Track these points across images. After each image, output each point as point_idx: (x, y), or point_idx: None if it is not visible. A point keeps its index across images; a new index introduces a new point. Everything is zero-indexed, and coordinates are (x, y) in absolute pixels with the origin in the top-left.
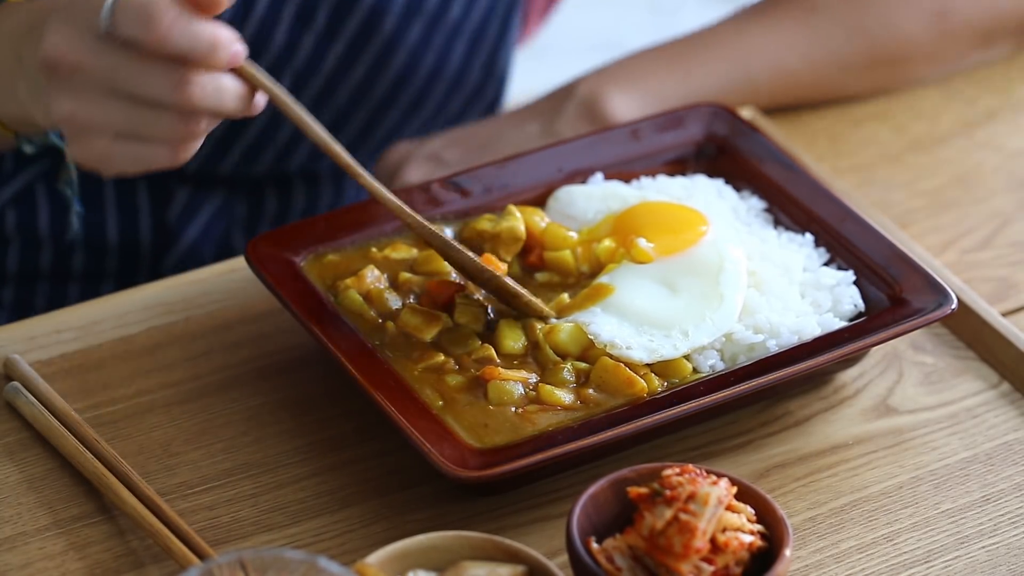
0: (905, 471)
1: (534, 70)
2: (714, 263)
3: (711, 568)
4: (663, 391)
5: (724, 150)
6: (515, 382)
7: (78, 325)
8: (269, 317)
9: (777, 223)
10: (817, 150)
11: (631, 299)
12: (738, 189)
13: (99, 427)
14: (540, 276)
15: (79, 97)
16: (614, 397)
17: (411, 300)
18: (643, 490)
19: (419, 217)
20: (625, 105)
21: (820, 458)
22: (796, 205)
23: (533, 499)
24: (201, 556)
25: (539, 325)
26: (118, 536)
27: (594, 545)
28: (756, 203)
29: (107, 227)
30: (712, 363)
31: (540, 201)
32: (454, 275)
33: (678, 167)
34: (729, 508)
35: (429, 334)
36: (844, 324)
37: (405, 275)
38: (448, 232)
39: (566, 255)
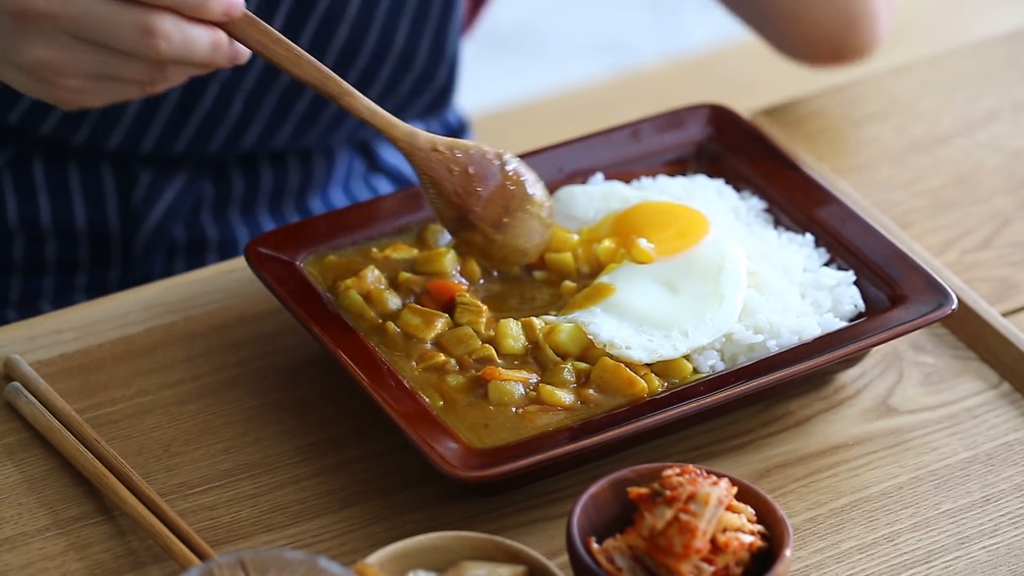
0: (905, 471)
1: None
2: (714, 263)
3: (711, 568)
4: (663, 391)
5: (724, 150)
6: (515, 382)
7: (78, 325)
8: (269, 317)
9: (777, 223)
10: (817, 150)
11: (631, 299)
12: (738, 189)
13: (99, 427)
14: (538, 274)
15: (50, 43)
16: (614, 397)
17: (411, 300)
18: (643, 490)
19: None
20: None
21: (820, 458)
22: (796, 205)
23: (533, 499)
24: (201, 556)
25: (539, 325)
26: (118, 536)
27: (594, 545)
28: (756, 203)
29: (75, 215)
30: (712, 363)
31: None
32: (455, 275)
33: (678, 167)
34: (729, 508)
35: (429, 334)
36: (844, 324)
37: (405, 275)
38: (448, 233)
39: (566, 257)
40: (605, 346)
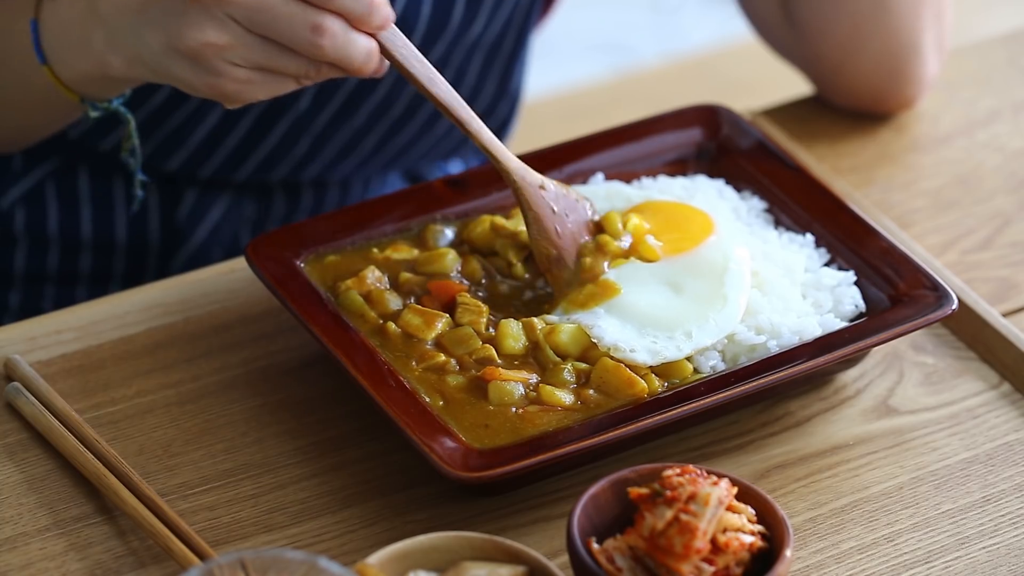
0: (906, 472)
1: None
2: (719, 264)
3: (712, 568)
4: (664, 391)
5: (725, 150)
6: (516, 383)
7: (78, 325)
8: (269, 317)
9: (778, 223)
10: (817, 150)
11: (635, 300)
12: (739, 189)
13: (99, 427)
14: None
15: (220, 28)
16: (614, 398)
17: (412, 300)
18: (644, 491)
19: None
20: None
21: (821, 458)
22: (797, 205)
23: (534, 500)
24: (202, 556)
25: (539, 325)
26: (119, 536)
27: (595, 545)
28: (757, 203)
29: (116, 227)
30: (713, 363)
31: None
32: (455, 275)
33: (679, 167)
34: (730, 508)
35: (430, 334)
36: (845, 324)
37: (406, 275)
38: (448, 233)
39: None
40: (610, 349)
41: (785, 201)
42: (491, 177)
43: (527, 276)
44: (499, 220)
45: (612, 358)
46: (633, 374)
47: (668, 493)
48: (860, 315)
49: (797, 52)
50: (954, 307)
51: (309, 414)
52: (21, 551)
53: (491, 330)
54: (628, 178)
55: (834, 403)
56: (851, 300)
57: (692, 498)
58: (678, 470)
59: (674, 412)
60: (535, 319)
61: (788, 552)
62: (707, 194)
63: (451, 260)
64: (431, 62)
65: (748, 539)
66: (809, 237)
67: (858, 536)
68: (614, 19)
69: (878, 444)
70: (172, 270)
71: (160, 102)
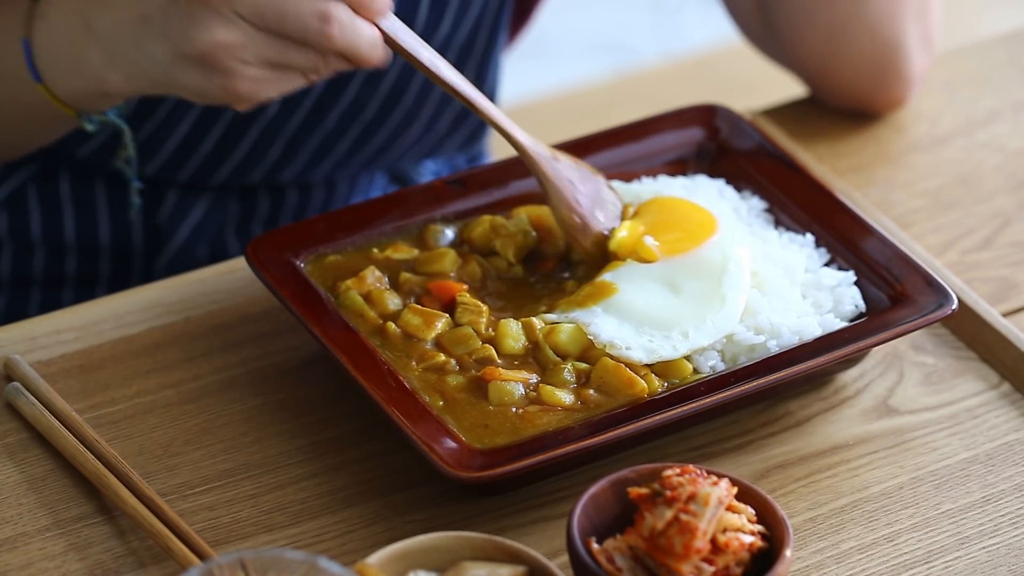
0: (905, 471)
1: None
2: (718, 265)
3: (711, 568)
4: (663, 392)
5: (725, 150)
6: (515, 382)
7: (78, 326)
8: (269, 318)
9: (778, 223)
10: (817, 150)
11: (633, 299)
12: (739, 189)
13: (99, 427)
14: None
15: (229, 27)
16: (614, 398)
17: (412, 300)
18: (643, 491)
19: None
20: None
21: (820, 458)
22: (797, 205)
23: (533, 499)
24: (202, 556)
25: (539, 325)
26: (118, 536)
27: (594, 545)
28: (757, 203)
29: (99, 230)
30: (713, 363)
31: (540, 201)
32: (454, 275)
33: (679, 167)
34: (729, 508)
35: (430, 334)
36: (845, 324)
37: (406, 275)
38: (448, 233)
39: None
40: (605, 346)
41: (785, 201)
42: (491, 177)
43: (526, 275)
44: (499, 220)
45: (611, 357)
46: (633, 374)
47: (668, 493)
48: (860, 315)
49: (780, 57)
50: (954, 307)
51: (309, 414)
52: (21, 551)
53: (491, 330)
54: (628, 178)
55: (834, 403)
56: (851, 300)
57: (692, 498)
58: (678, 470)
59: (674, 412)
60: (535, 319)
61: (788, 552)
62: (707, 194)
63: (451, 260)
64: (399, 64)
65: (748, 539)
66: (809, 237)
67: (858, 536)
68: (614, 19)
69: (878, 444)
70: (157, 270)
71: (130, 111)
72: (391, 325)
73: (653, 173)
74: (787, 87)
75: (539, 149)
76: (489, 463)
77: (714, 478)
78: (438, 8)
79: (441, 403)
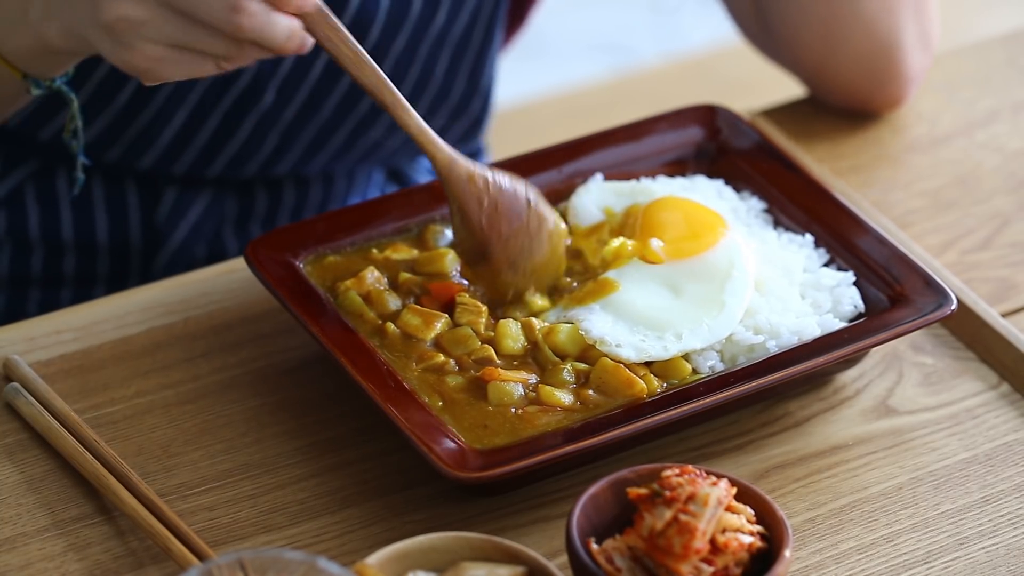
0: (905, 472)
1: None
2: (722, 270)
3: (711, 569)
4: (662, 392)
5: (724, 150)
6: (515, 383)
7: (78, 326)
8: (269, 318)
9: (777, 224)
10: (817, 150)
11: (631, 299)
12: (738, 190)
13: (99, 428)
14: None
15: (136, 3)
16: (614, 398)
17: (411, 301)
18: (643, 491)
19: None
20: None
21: (820, 459)
22: (796, 206)
23: (533, 500)
24: (201, 557)
25: (538, 325)
26: (118, 537)
27: (594, 546)
28: (756, 204)
29: (97, 229)
30: (712, 364)
31: None
32: (454, 275)
33: (678, 167)
34: (729, 509)
35: (429, 334)
36: (844, 325)
37: (405, 276)
38: (448, 233)
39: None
40: (596, 343)
41: (784, 201)
42: None
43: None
44: None
45: (603, 354)
46: (632, 375)
47: (667, 493)
48: (859, 315)
49: (778, 56)
50: (953, 307)
51: (308, 414)
52: (20, 551)
53: (490, 331)
54: (627, 178)
55: (833, 403)
56: (850, 300)
57: (691, 498)
58: (677, 470)
59: (673, 412)
60: (534, 319)
61: (787, 552)
62: (706, 194)
63: (450, 260)
64: (394, 55)
65: (747, 539)
66: (808, 237)
67: (857, 536)
68: (614, 19)
69: (877, 444)
70: (155, 270)
71: (125, 101)
72: (390, 325)
73: (652, 173)
74: (786, 87)
75: (454, 167)
76: (488, 463)
77: (713, 478)
78: (432, 2)
79: (440, 403)
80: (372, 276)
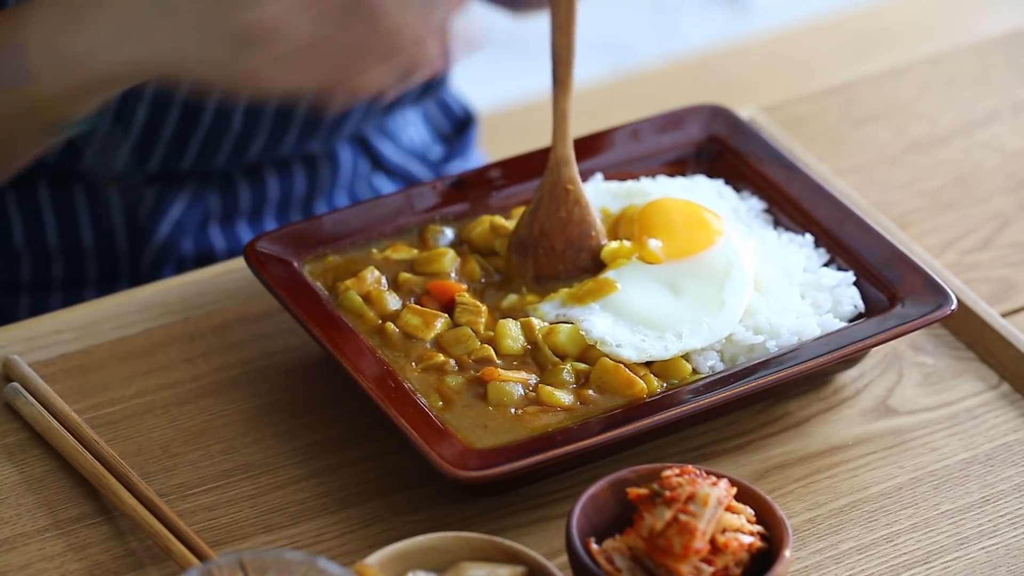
0: (905, 472)
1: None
2: (721, 270)
3: (711, 569)
4: (662, 392)
5: (724, 150)
6: (515, 383)
7: (77, 326)
8: (268, 318)
9: (777, 224)
10: (817, 150)
11: (631, 299)
12: (738, 190)
13: (99, 428)
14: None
15: (286, 7)
16: (614, 398)
17: (411, 301)
18: (643, 491)
19: None
20: None
21: (820, 459)
22: (796, 206)
23: (533, 500)
24: (201, 557)
25: (538, 325)
26: (117, 537)
27: (594, 546)
28: (756, 203)
29: (81, 234)
30: (712, 364)
31: None
32: (454, 275)
33: (678, 168)
34: (729, 509)
35: (429, 334)
36: (844, 325)
37: (405, 276)
38: (448, 233)
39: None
40: (596, 343)
41: (784, 201)
42: (490, 177)
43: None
44: (499, 220)
45: (603, 354)
46: (632, 375)
47: (667, 493)
48: (859, 315)
49: None
50: (953, 307)
51: (308, 414)
52: (20, 551)
53: (490, 331)
54: (627, 178)
55: (833, 403)
56: (850, 300)
57: (691, 498)
58: (677, 470)
59: (673, 412)
60: (533, 319)
61: (787, 552)
62: (706, 194)
63: (450, 260)
64: None
65: (747, 539)
66: (808, 237)
67: (857, 536)
68: (614, 19)
69: (877, 444)
70: (142, 269)
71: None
72: (390, 325)
73: (652, 173)
74: (787, 87)
75: (561, 170)
76: (488, 463)
77: (713, 478)
78: None
79: (440, 403)
80: (372, 276)
